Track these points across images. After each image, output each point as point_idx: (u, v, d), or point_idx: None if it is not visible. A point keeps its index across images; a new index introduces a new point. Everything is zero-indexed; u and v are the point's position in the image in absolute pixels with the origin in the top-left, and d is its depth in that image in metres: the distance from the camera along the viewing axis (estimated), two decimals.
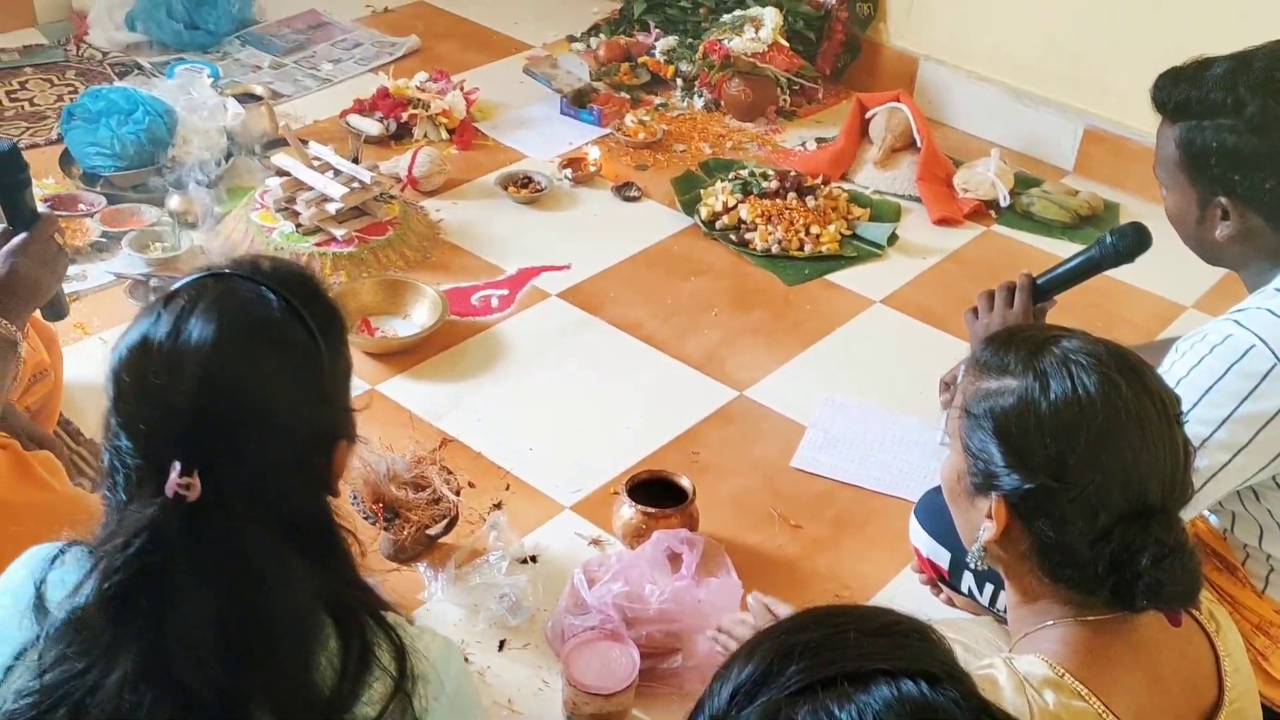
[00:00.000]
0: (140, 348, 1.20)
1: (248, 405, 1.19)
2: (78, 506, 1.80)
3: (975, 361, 1.35)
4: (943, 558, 1.86)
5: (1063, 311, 2.06)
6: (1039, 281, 2.02)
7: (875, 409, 2.62)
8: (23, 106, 3.43)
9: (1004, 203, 3.31)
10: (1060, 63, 3.50)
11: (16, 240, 1.85)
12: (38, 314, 1.97)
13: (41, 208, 1.97)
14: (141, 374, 1.18)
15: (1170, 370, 1.64)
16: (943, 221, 3.26)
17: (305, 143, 3.11)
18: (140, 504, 1.17)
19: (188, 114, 3.20)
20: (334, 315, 1.30)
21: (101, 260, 2.84)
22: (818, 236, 3.12)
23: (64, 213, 2.90)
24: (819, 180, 3.29)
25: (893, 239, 3.19)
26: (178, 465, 1.15)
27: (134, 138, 3.06)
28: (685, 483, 2.25)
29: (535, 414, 2.57)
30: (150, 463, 1.17)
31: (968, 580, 1.84)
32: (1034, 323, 1.98)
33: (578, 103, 3.64)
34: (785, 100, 3.69)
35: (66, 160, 3.11)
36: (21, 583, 1.24)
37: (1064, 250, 3.07)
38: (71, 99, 3.36)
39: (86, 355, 2.57)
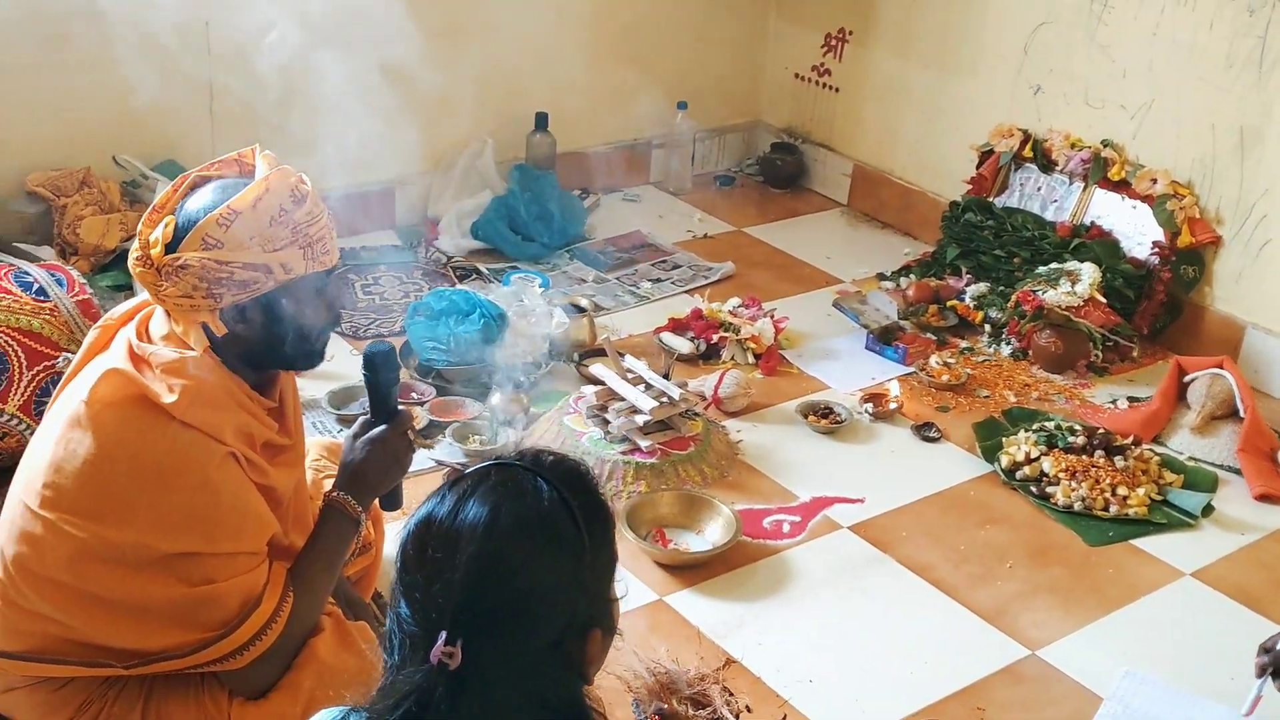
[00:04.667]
0: (424, 523, 1.32)
1: (510, 586, 1.27)
2: None
3: None
4: None
5: None
6: None
7: (1180, 690, 2.46)
8: (375, 299, 3.77)
9: None
10: None
11: (376, 431, 2.02)
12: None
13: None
14: (422, 547, 1.30)
15: None
16: (1265, 498, 3.09)
17: (621, 355, 3.27)
18: (411, 669, 1.27)
19: (517, 319, 3.43)
20: (602, 511, 1.38)
21: (426, 447, 3.03)
22: (1125, 498, 3.01)
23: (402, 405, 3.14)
24: (1129, 440, 3.19)
25: (1208, 510, 3.04)
26: (443, 634, 1.24)
27: (468, 336, 3.30)
28: None
29: (818, 646, 2.54)
30: (423, 631, 1.27)
31: None
32: None
33: (883, 339, 3.69)
34: (1097, 356, 3.63)
35: (406, 351, 3.37)
36: None
37: None
38: (417, 296, 3.67)
39: None
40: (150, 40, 3.43)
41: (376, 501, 2.13)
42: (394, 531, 2.67)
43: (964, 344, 3.76)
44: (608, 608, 1.37)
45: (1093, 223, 3.86)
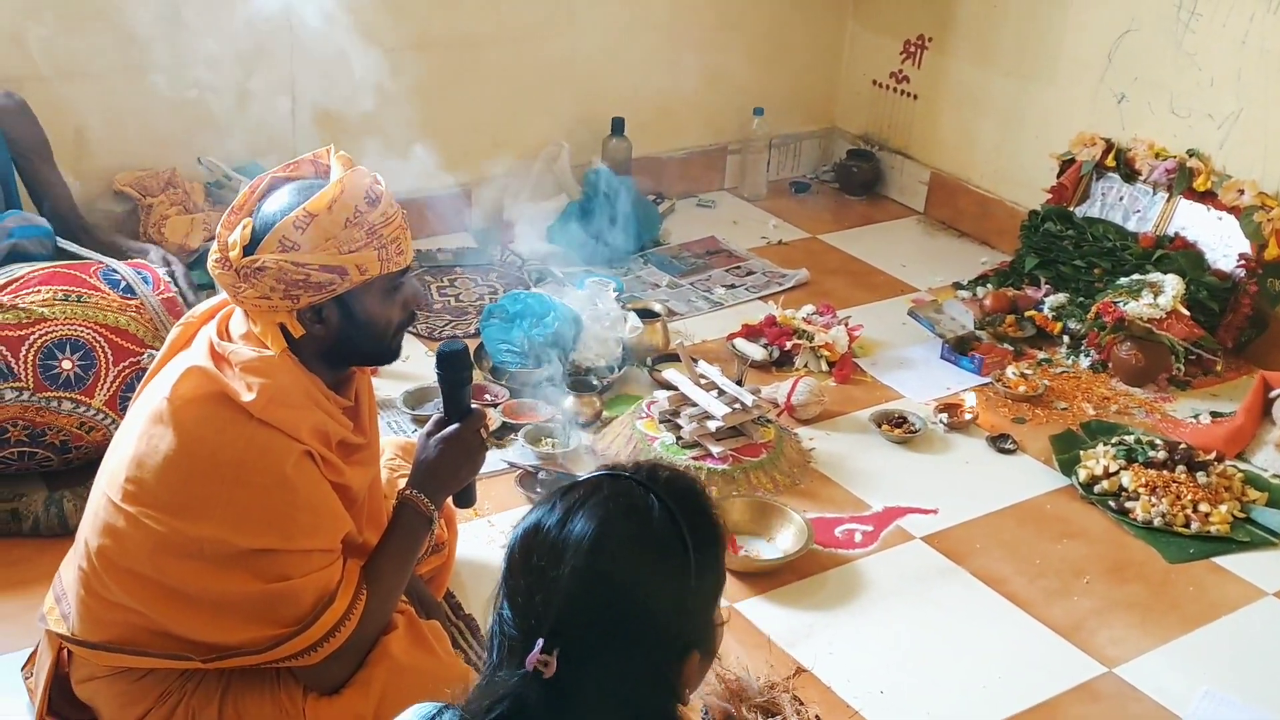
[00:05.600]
0: (533, 530, 1.32)
1: (610, 601, 1.27)
2: (459, 676, 1.92)
3: None
4: None
5: None
6: None
7: (1261, 712, 2.41)
8: (450, 301, 3.80)
9: None
10: None
11: (449, 430, 2.04)
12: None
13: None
14: (529, 553, 1.31)
15: None
16: None
17: (694, 361, 3.27)
18: (508, 672, 1.28)
19: (591, 323, 3.45)
20: (713, 533, 1.37)
21: (498, 448, 3.05)
22: (1206, 515, 2.94)
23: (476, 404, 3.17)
24: (1211, 456, 3.13)
25: None
26: (540, 642, 1.24)
27: (542, 340, 3.31)
28: None
29: (889, 656, 2.52)
30: (522, 636, 1.28)
31: None
32: None
33: (959, 349, 3.65)
34: (1179, 369, 3.55)
35: (480, 353, 3.39)
36: None
37: None
38: (492, 299, 3.70)
39: (475, 535, 2.75)
40: (235, 43, 3.50)
41: (450, 502, 2.16)
42: (468, 532, 2.70)
43: (1041, 355, 3.71)
44: (709, 631, 1.36)
45: (1176, 234, 3.79)
